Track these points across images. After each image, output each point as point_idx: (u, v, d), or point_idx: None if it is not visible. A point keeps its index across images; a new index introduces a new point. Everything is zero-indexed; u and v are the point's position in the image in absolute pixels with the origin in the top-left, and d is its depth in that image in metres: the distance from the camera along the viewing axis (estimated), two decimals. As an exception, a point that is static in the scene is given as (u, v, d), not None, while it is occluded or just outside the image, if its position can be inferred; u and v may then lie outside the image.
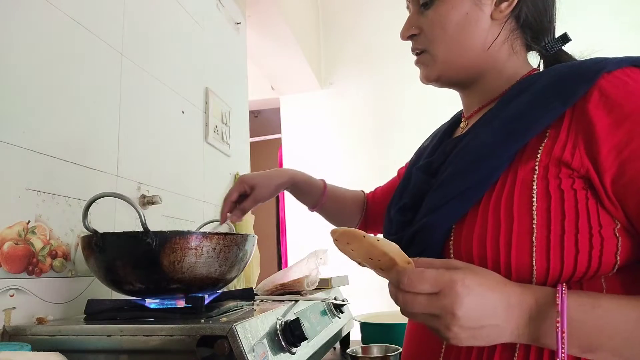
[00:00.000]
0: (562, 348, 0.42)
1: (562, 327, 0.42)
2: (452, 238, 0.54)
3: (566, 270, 0.47)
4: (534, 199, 0.48)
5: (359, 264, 0.51)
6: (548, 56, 0.64)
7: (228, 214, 0.89)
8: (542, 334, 0.44)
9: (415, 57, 0.67)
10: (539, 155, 0.50)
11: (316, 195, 0.93)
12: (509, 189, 0.50)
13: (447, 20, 0.61)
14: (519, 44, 0.63)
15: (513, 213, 0.49)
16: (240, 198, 0.89)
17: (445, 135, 0.73)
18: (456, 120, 0.74)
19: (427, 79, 0.66)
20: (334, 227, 0.58)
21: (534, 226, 0.48)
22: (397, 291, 0.46)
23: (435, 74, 0.64)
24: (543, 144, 0.50)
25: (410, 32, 0.65)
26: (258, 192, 0.88)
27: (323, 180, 0.96)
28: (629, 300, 0.45)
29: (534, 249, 0.47)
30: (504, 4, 0.60)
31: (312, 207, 0.96)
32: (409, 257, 0.46)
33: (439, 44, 0.62)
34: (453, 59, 0.62)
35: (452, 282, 0.43)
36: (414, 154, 0.80)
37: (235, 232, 0.83)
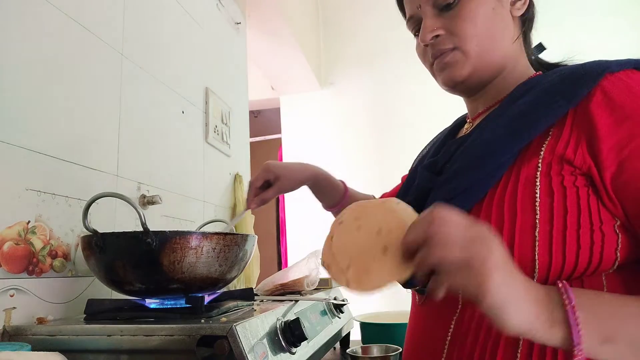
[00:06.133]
0: (577, 326, 0.40)
1: (570, 301, 0.41)
2: None
3: (568, 265, 0.47)
4: (537, 195, 0.49)
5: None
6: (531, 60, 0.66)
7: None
8: (555, 320, 0.41)
9: (432, 64, 0.64)
10: (542, 153, 0.51)
11: (335, 197, 0.93)
12: (512, 186, 0.51)
13: (477, 15, 0.60)
14: (524, 45, 0.65)
15: (516, 209, 0.49)
16: (263, 186, 0.89)
17: (449, 136, 0.73)
18: (459, 123, 0.75)
19: (456, 78, 0.62)
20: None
21: (537, 221, 0.48)
22: (429, 227, 0.42)
23: (467, 71, 0.61)
24: (546, 142, 0.51)
25: (436, 33, 0.61)
26: (282, 183, 0.88)
27: (343, 182, 0.95)
28: (629, 296, 0.45)
29: (537, 244, 0.48)
30: (519, 3, 0.62)
31: (328, 207, 0.95)
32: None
33: (470, 39, 0.60)
34: (485, 53, 0.61)
35: (485, 233, 0.41)
36: (415, 160, 0.80)
37: (235, 232, 0.83)
